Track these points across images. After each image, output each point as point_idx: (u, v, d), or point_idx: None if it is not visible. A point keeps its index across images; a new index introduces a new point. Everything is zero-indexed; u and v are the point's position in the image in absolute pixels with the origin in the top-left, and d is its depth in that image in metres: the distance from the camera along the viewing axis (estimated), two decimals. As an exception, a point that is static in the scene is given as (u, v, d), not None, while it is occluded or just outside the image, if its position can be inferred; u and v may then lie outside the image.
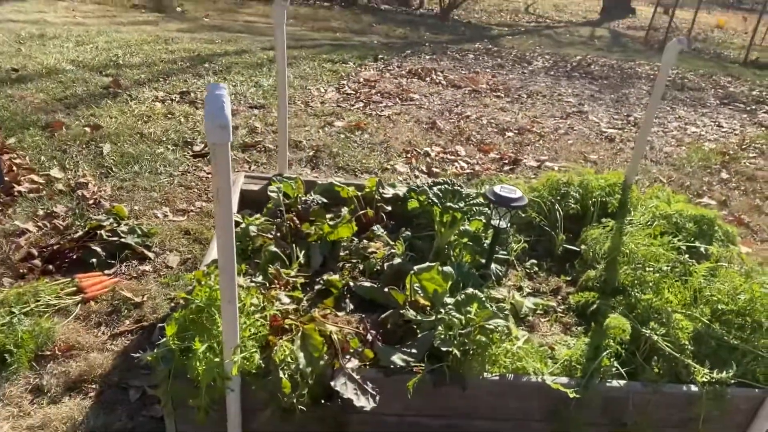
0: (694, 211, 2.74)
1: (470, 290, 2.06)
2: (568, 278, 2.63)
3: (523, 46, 10.83)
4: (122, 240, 3.03)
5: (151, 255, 3.04)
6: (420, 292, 2.12)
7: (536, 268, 2.67)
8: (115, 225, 3.12)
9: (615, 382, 1.97)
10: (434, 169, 4.56)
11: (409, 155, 4.77)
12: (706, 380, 1.99)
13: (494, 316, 1.96)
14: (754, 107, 8.14)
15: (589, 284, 2.49)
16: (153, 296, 2.74)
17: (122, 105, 5.00)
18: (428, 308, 2.08)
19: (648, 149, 5.72)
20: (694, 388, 1.99)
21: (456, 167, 4.68)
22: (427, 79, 7.32)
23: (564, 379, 1.94)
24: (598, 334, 2.11)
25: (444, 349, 1.88)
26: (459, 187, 2.62)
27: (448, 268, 2.14)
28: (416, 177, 4.40)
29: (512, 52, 10.06)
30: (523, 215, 2.90)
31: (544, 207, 2.92)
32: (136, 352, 2.17)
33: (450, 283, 2.13)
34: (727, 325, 2.16)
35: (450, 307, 2.00)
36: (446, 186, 2.60)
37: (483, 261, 2.49)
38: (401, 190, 2.86)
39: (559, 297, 2.52)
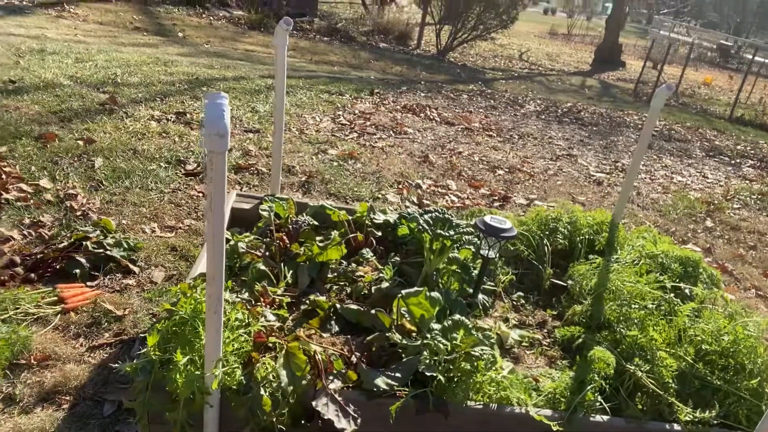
0: (679, 252, 2.78)
1: (457, 317, 2.05)
2: (555, 312, 2.64)
3: (516, 90, 11.08)
4: (107, 252, 2.99)
5: (135, 269, 3.00)
6: (407, 316, 2.11)
7: (523, 301, 2.68)
8: (101, 237, 3.09)
9: (598, 417, 1.95)
10: (425, 201, 4.60)
11: (400, 186, 4.81)
12: (689, 419, 1.98)
13: (480, 344, 1.95)
14: (738, 161, 8.35)
15: (575, 319, 2.49)
16: (135, 310, 2.70)
17: (117, 121, 5.01)
18: (414, 333, 2.07)
19: (635, 195, 5.82)
20: (677, 426, 1.98)
21: (447, 200, 4.72)
22: (422, 114, 7.44)
23: (548, 412, 1.93)
24: (582, 369, 2.11)
25: (428, 374, 1.86)
26: (449, 217, 2.64)
27: (435, 294, 2.14)
28: (407, 207, 4.42)
29: (505, 95, 10.28)
30: (512, 248, 2.91)
31: (533, 241, 2.94)
32: (116, 363, 2.13)
33: (437, 309, 2.12)
34: (711, 365, 2.16)
35: (436, 332, 1.99)
36: (437, 214, 2.62)
37: (470, 290, 2.49)
38: (392, 216, 2.87)
39: (545, 330, 2.52)
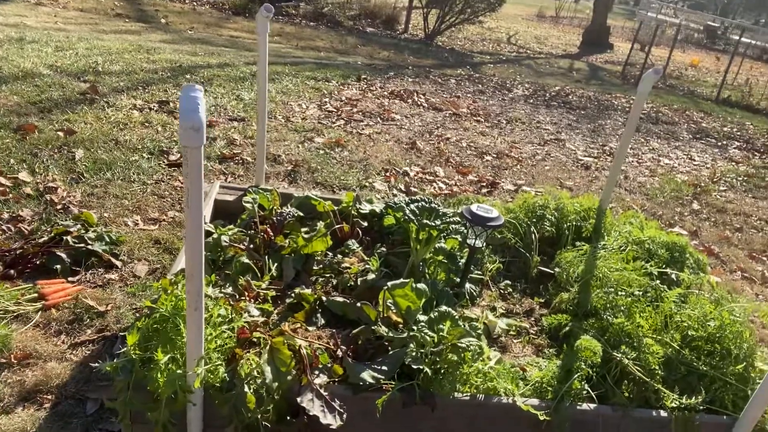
0: (666, 237, 2.77)
1: (443, 308, 2.04)
2: (542, 300, 2.63)
3: (504, 74, 11.01)
4: (89, 247, 2.94)
5: (118, 263, 2.95)
6: (393, 308, 2.09)
7: (510, 289, 2.66)
8: (82, 231, 3.03)
9: (585, 405, 1.95)
10: (413, 189, 4.57)
11: (388, 174, 4.77)
12: (675, 406, 1.99)
13: (467, 335, 1.94)
14: (725, 143, 8.38)
15: (563, 307, 2.49)
16: (118, 306, 2.66)
17: (98, 111, 4.91)
18: (401, 325, 2.05)
19: (622, 178, 5.83)
20: (663, 413, 1.99)
21: (434, 188, 4.69)
22: (409, 100, 7.38)
23: (535, 401, 1.92)
24: (569, 357, 2.10)
25: (415, 367, 1.85)
26: (436, 206, 2.61)
27: (422, 285, 2.12)
28: (394, 195, 4.39)
29: (493, 79, 10.22)
30: (499, 236, 2.90)
31: (520, 229, 2.92)
32: (97, 362, 2.09)
33: (424, 300, 2.10)
34: (697, 351, 2.17)
35: (423, 324, 1.97)
36: (423, 203, 2.59)
37: (457, 280, 2.47)
38: (378, 206, 2.84)
39: (533, 318, 2.51)
